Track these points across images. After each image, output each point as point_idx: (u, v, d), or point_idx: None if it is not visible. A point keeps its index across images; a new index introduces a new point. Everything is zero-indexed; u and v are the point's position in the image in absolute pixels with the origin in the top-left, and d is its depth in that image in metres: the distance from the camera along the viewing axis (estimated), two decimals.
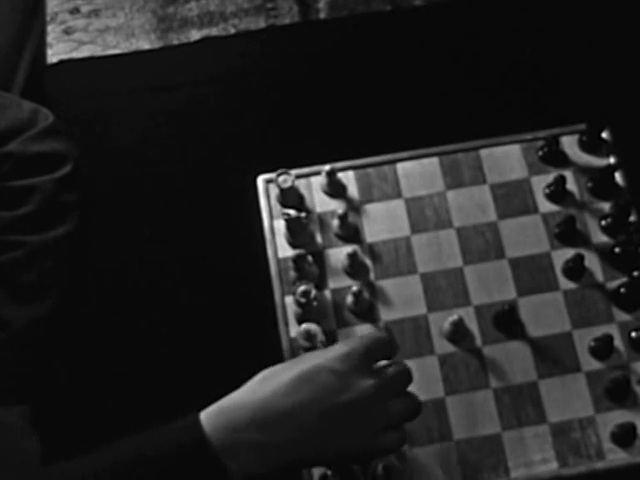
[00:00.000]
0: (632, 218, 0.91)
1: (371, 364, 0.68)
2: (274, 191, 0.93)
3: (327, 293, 0.89)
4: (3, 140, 0.80)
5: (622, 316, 0.87)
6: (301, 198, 0.93)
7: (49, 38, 1.55)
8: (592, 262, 0.89)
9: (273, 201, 0.93)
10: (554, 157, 0.94)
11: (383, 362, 0.69)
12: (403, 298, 0.88)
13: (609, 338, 0.84)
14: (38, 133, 0.82)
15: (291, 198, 0.92)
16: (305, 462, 0.67)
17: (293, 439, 0.64)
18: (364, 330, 0.87)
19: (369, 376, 0.66)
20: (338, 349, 0.67)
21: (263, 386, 0.66)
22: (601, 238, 0.91)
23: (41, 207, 0.79)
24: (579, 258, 0.87)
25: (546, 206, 0.92)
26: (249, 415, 0.64)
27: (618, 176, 0.93)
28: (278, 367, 0.68)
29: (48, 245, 0.79)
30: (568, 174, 0.93)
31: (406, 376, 0.69)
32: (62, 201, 0.81)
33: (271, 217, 0.92)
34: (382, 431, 0.67)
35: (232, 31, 1.64)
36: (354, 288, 0.86)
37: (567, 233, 0.90)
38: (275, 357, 0.86)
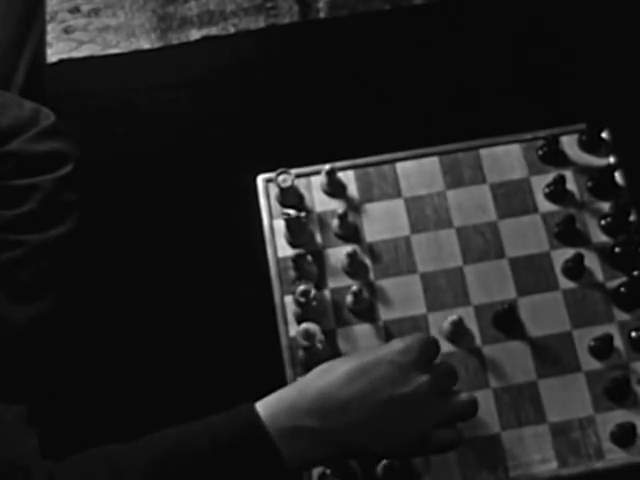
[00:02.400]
0: (632, 218, 0.91)
1: (427, 361, 0.70)
2: (274, 190, 0.93)
3: (327, 293, 0.89)
4: (4, 139, 0.80)
5: (622, 316, 0.87)
6: (301, 198, 0.93)
7: (49, 37, 1.55)
8: (592, 262, 0.89)
9: (273, 201, 0.93)
10: (554, 157, 0.94)
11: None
12: (403, 298, 0.88)
13: (609, 338, 0.84)
14: (39, 133, 0.82)
15: (291, 198, 0.92)
16: (356, 452, 0.69)
17: (349, 427, 0.66)
18: (364, 330, 0.87)
19: (426, 371, 0.69)
20: (396, 344, 0.70)
21: (322, 377, 0.69)
22: (601, 238, 0.91)
23: (41, 206, 0.79)
24: (579, 258, 0.87)
25: (546, 206, 0.92)
26: (308, 403, 0.67)
27: (618, 176, 0.93)
28: (337, 360, 0.71)
29: (48, 244, 0.79)
30: (568, 174, 0.93)
31: (455, 374, 0.72)
32: (62, 200, 0.81)
33: (271, 217, 0.92)
34: (436, 428, 0.69)
35: (232, 30, 1.64)
36: (354, 288, 0.86)
37: (567, 233, 0.90)
38: (274, 356, 0.86)
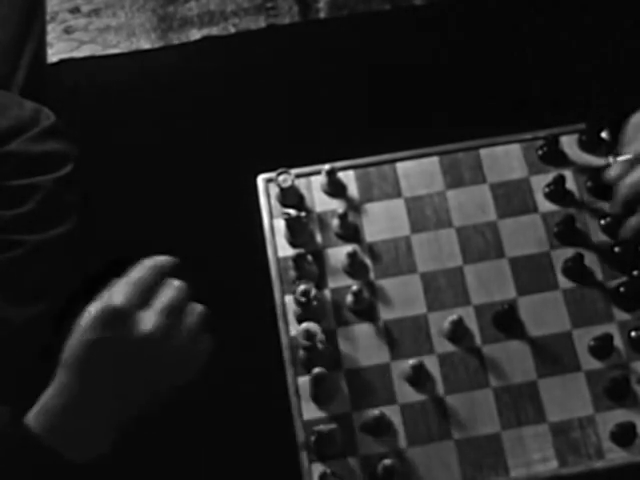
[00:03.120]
0: None
1: (133, 311, 0.66)
2: (274, 190, 0.93)
3: (327, 292, 0.89)
4: (5, 139, 0.80)
5: (622, 315, 0.87)
6: (301, 197, 0.93)
7: (49, 37, 1.55)
8: (592, 261, 0.89)
9: (273, 200, 0.93)
10: (554, 156, 0.94)
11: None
12: (403, 297, 0.88)
13: (609, 337, 0.84)
14: (40, 133, 0.82)
15: (291, 197, 0.92)
16: (130, 414, 0.68)
17: (113, 408, 0.66)
18: (364, 329, 0.87)
19: (141, 324, 0.66)
20: (94, 320, 0.66)
21: (66, 379, 0.66)
22: (601, 237, 0.91)
23: (42, 206, 0.79)
24: (579, 257, 0.87)
25: (546, 205, 0.92)
26: (65, 405, 0.66)
27: None
28: (67, 354, 0.67)
29: (48, 244, 0.79)
30: (568, 173, 0.93)
31: (180, 295, 0.68)
32: (63, 201, 0.81)
33: (271, 216, 0.92)
34: (193, 350, 0.68)
35: (232, 30, 1.64)
36: (354, 287, 0.86)
37: (567, 232, 0.90)
38: (275, 356, 0.87)
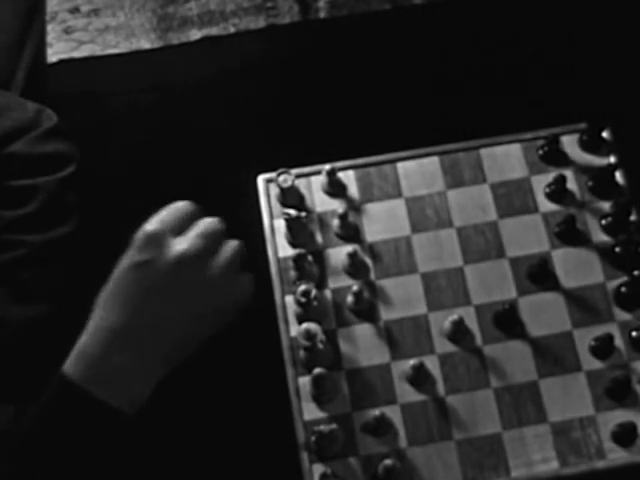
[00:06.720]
0: (632, 217, 0.91)
1: (167, 236, 0.67)
2: (274, 190, 0.93)
3: (327, 292, 0.89)
4: (7, 140, 0.80)
5: (623, 315, 0.87)
6: (301, 198, 0.93)
7: (49, 37, 1.55)
8: (592, 261, 0.89)
9: (273, 201, 0.93)
10: (554, 156, 0.94)
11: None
12: (403, 297, 0.88)
13: (610, 337, 0.84)
14: (42, 134, 0.82)
15: (291, 198, 0.92)
16: (176, 358, 0.68)
17: (156, 343, 0.65)
18: (364, 329, 0.87)
19: (168, 250, 0.66)
20: (130, 248, 0.67)
21: (102, 317, 0.65)
22: (601, 237, 0.91)
23: (43, 207, 0.79)
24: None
25: (546, 205, 0.92)
26: (104, 345, 0.64)
27: (618, 175, 0.93)
28: (102, 295, 0.67)
29: (50, 245, 0.79)
30: (568, 173, 0.93)
31: (215, 226, 0.69)
32: (64, 201, 0.81)
33: (271, 217, 0.92)
34: (233, 282, 0.68)
35: (232, 30, 1.64)
36: (354, 287, 0.86)
37: (567, 232, 0.90)
38: (275, 356, 0.86)
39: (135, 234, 0.67)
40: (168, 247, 0.66)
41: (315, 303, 0.85)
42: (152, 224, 0.67)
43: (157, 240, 0.66)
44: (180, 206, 0.70)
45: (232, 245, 0.70)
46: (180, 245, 0.66)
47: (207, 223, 0.69)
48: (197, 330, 0.68)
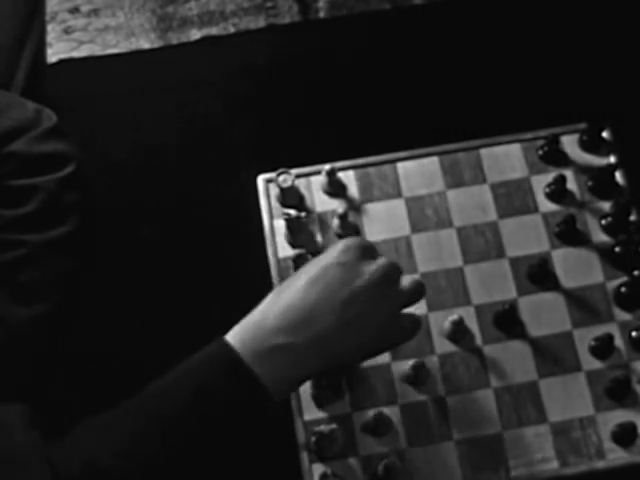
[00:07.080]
0: (632, 217, 0.91)
1: (369, 255, 0.72)
2: (274, 191, 0.93)
3: None
4: (7, 139, 0.80)
5: (623, 315, 0.87)
6: (301, 198, 0.93)
7: (49, 37, 1.55)
8: (592, 261, 0.89)
9: (273, 201, 0.93)
10: (554, 156, 0.94)
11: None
12: None
13: (609, 337, 0.84)
14: (42, 133, 0.82)
15: (291, 198, 0.92)
16: (332, 359, 0.69)
17: (319, 336, 0.67)
18: None
19: (372, 262, 0.71)
20: (336, 247, 0.72)
21: (280, 297, 0.69)
22: (601, 237, 0.91)
23: (43, 207, 0.79)
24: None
25: (546, 205, 0.92)
26: (273, 322, 0.67)
27: (618, 175, 0.93)
28: (287, 280, 0.72)
29: (50, 245, 0.79)
30: (568, 173, 0.93)
31: (397, 266, 0.73)
32: (64, 201, 0.81)
33: (271, 217, 0.92)
34: (399, 314, 0.72)
35: (232, 30, 1.64)
36: None
37: (567, 232, 0.90)
38: None
39: (341, 240, 0.73)
40: (366, 260, 0.72)
41: None
42: (357, 238, 0.74)
43: (362, 248, 0.72)
44: (366, 241, 0.75)
45: (413, 282, 0.74)
46: (375, 264, 0.71)
47: (389, 260, 0.73)
48: (361, 343, 0.71)
